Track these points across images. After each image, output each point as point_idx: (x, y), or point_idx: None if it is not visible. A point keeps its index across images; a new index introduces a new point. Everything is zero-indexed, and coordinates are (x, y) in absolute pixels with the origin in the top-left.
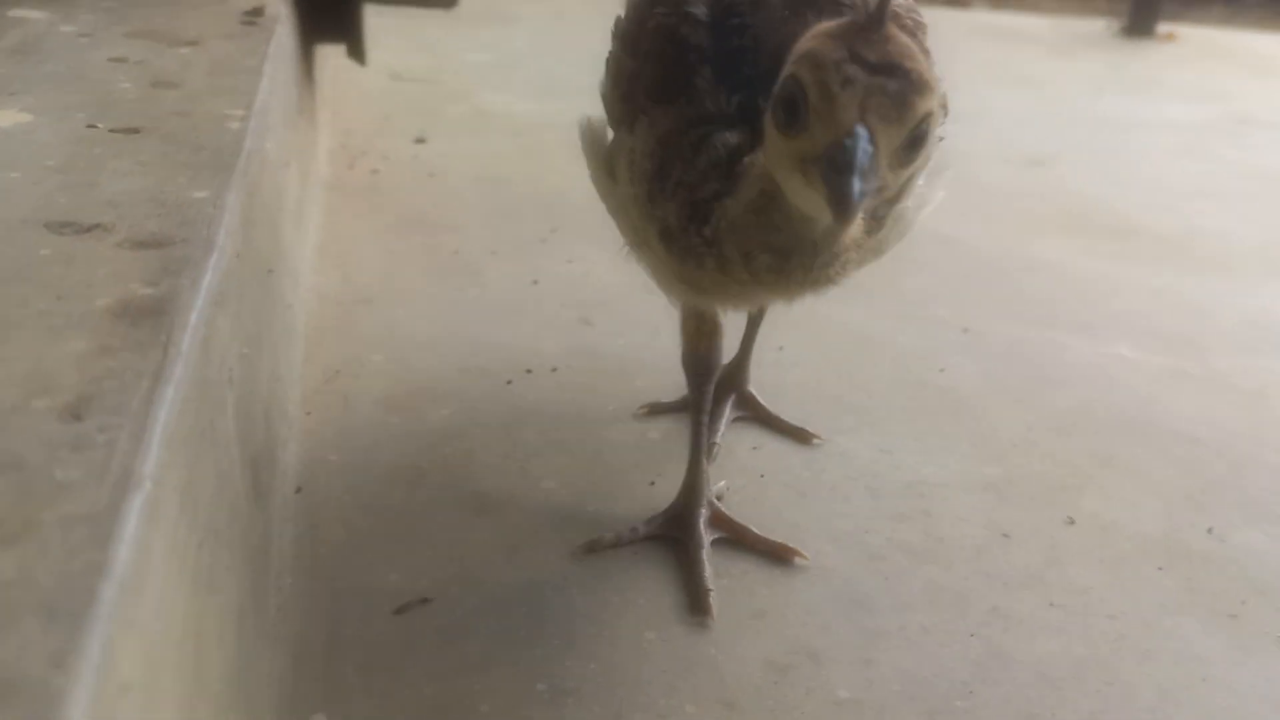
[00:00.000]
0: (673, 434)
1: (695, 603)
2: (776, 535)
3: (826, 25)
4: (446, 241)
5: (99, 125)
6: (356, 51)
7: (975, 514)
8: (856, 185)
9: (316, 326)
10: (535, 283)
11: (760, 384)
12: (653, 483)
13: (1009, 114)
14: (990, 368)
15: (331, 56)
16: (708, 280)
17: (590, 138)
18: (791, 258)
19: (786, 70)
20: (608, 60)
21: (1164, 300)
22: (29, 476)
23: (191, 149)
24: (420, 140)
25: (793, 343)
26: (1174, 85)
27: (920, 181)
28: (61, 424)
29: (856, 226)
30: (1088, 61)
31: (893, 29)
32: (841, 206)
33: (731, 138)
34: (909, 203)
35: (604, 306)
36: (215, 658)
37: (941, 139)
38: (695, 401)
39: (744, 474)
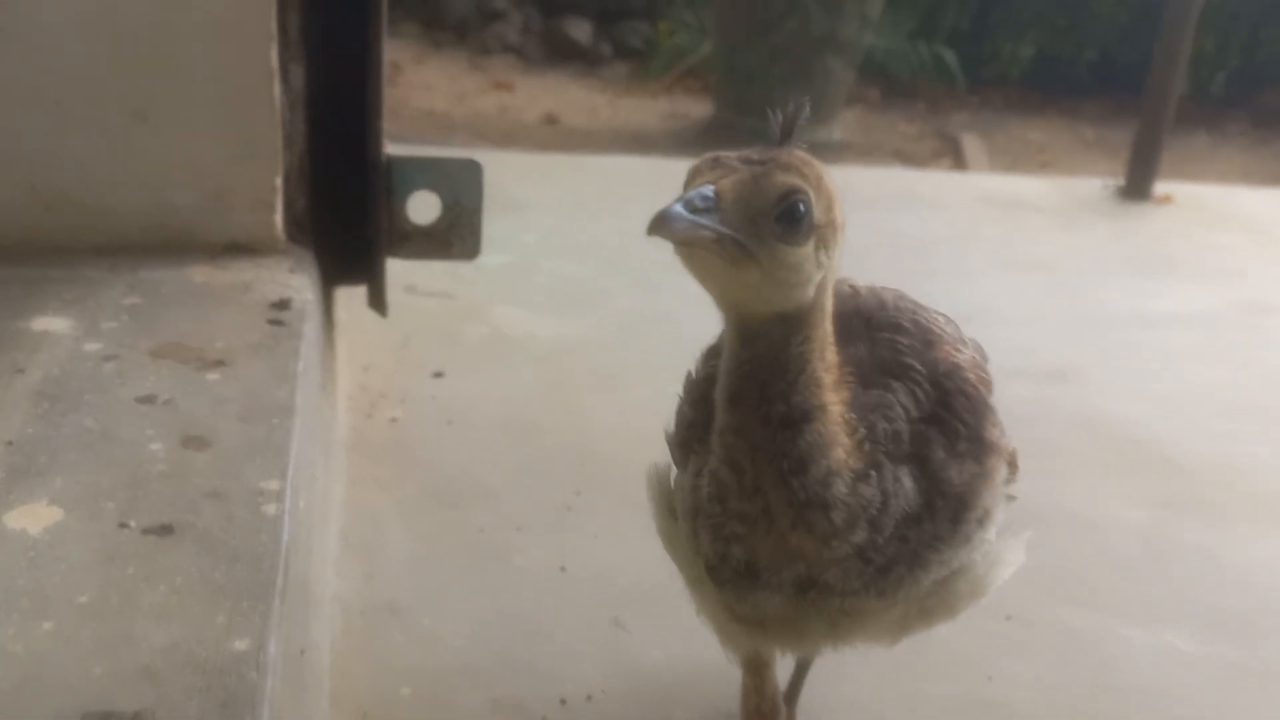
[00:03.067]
0: None
1: None
2: None
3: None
4: (471, 517)
5: (130, 524)
6: (378, 303)
7: None
8: (676, 206)
9: (343, 651)
10: (563, 569)
11: (811, 699)
12: None
13: (1021, 310)
14: (1042, 672)
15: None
16: (748, 605)
17: (655, 483)
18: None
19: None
20: (676, 410)
21: (1211, 564)
22: None
23: (228, 559)
24: (438, 375)
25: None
26: (1180, 261)
27: (990, 536)
28: None
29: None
30: (1090, 233)
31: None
32: (656, 219)
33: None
34: (977, 558)
35: (638, 602)
36: None
37: (1013, 498)
38: None
39: None
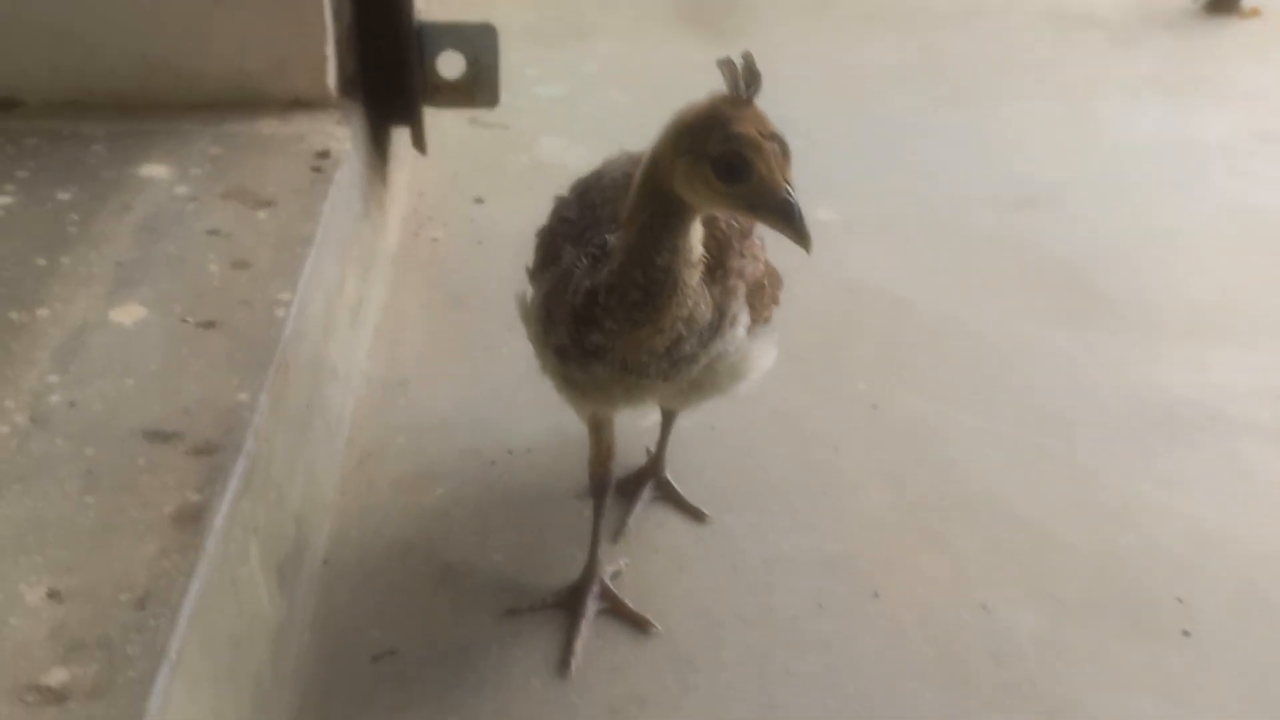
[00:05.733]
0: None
1: (562, 659)
2: (649, 605)
3: (714, 101)
4: (476, 320)
5: (188, 320)
6: (419, 143)
7: (804, 587)
8: (806, 221)
9: (360, 410)
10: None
11: (687, 461)
12: (575, 556)
13: (1022, 136)
14: (879, 447)
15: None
16: (595, 382)
17: (522, 307)
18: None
19: (722, 144)
20: (541, 239)
21: (1066, 370)
22: (112, 653)
23: (247, 344)
24: (479, 201)
25: (724, 422)
26: (1219, 84)
27: (739, 334)
28: (134, 612)
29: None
30: (1145, 53)
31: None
32: (807, 237)
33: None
34: (730, 350)
35: None
36: (231, 714)
37: (769, 320)
38: (595, 508)
39: (643, 549)
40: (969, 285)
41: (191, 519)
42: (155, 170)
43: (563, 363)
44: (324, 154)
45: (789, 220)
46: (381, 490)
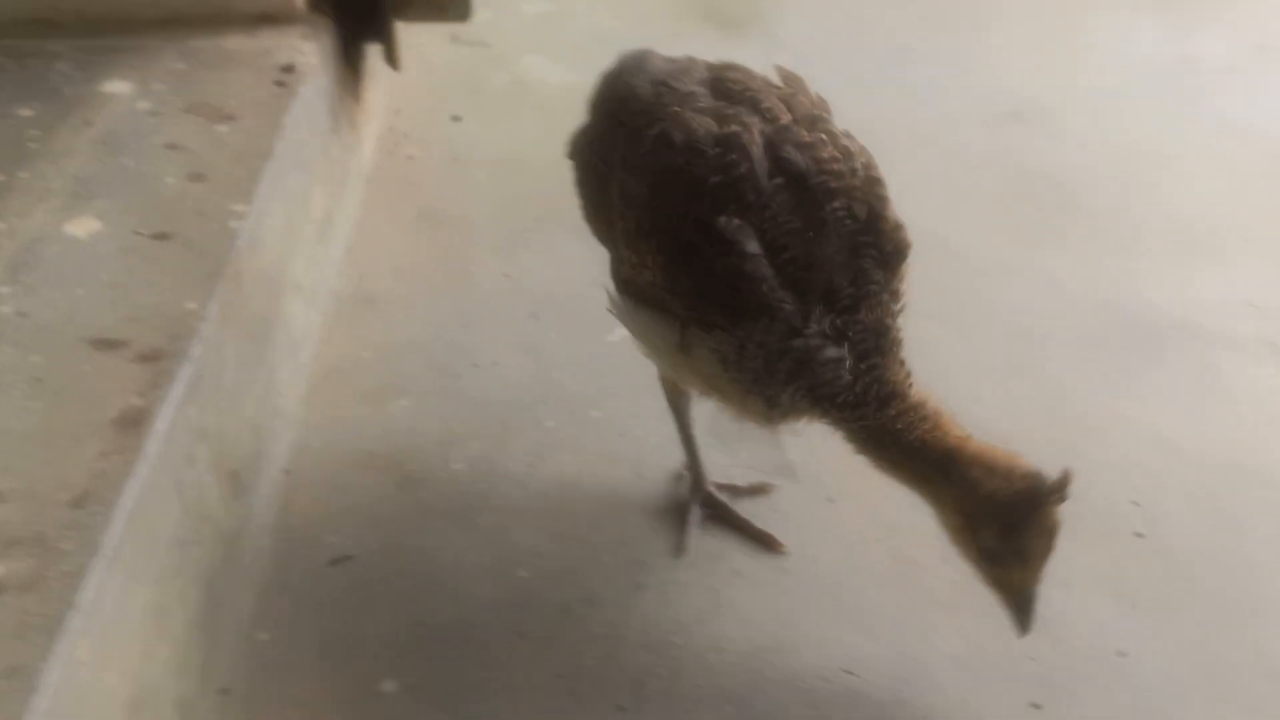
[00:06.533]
0: (569, 427)
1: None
2: None
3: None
4: (449, 238)
5: (142, 232)
6: (392, 58)
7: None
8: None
9: (329, 326)
10: (507, 276)
11: None
12: (532, 466)
13: (1014, 53)
14: None
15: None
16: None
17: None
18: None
19: (992, 538)
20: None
21: (1038, 285)
22: (46, 549)
23: (198, 255)
24: (456, 118)
25: None
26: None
27: None
28: (71, 510)
29: None
30: None
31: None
32: (1028, 627)
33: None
34: None
35: (553, 301)
36: (178, 614)
37: None
38: (680, 423)
39: None
40: (954, 203)
41: (133, 423)
42: (118, 86)
43: (769, 408)
44: (288, 68)
45: (1023, 612)
46: (346, 403)
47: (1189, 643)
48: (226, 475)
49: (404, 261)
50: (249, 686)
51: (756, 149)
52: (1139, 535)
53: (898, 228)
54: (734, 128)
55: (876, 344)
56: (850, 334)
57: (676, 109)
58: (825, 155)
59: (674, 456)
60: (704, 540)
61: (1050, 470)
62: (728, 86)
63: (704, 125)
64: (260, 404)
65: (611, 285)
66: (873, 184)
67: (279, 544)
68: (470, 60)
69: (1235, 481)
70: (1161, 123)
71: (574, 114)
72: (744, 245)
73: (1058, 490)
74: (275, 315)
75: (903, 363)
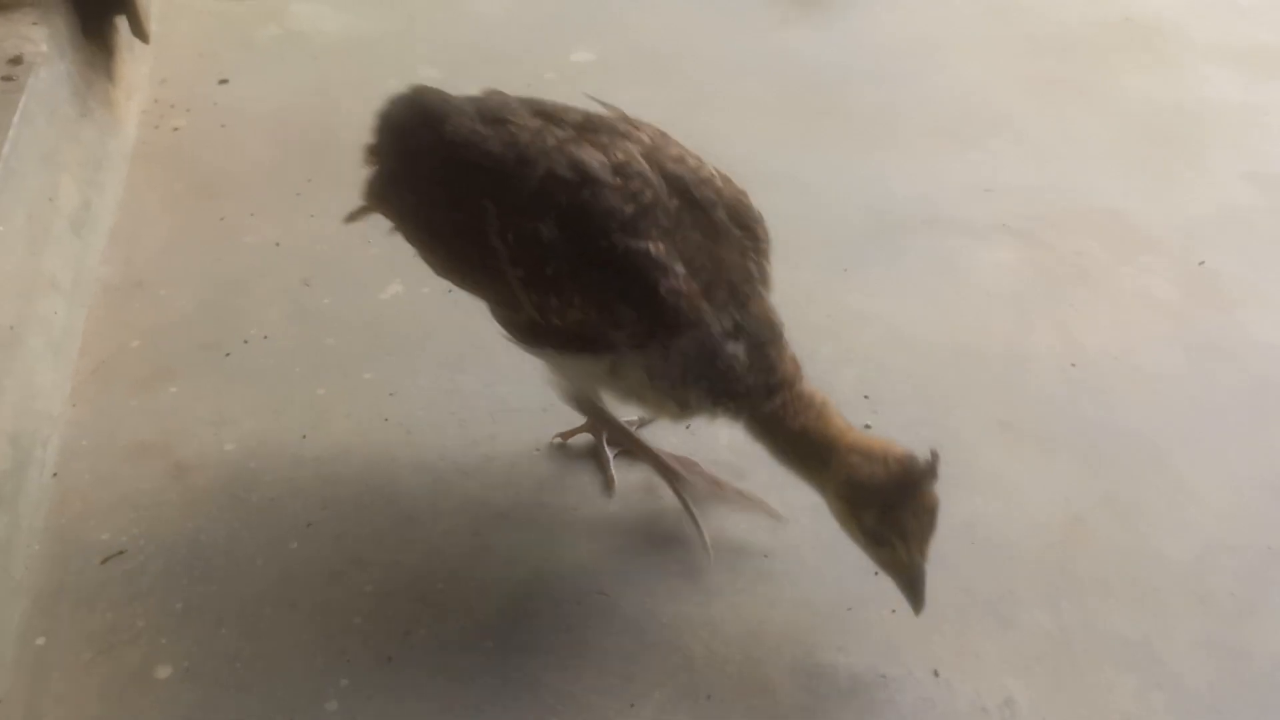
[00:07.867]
0: (340, 392)
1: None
2: None
3: (904, 471)
4: (219, 206)
5: None
6: (138, 29)
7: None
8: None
9: (96, 318)
10: (278, 244)
11: None
12: (304, 436)
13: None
14: None
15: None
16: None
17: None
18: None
19: (872, 520)
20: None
21: (808, 195)
22: None
23: None
24: (223, 81)
25: None
26: None
27: None
28: None
29: None
30: None
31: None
32: (920, 604)
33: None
34: None
35: (326, 266)
36: None
37: None
38: (595, 409)
39: None
40: (728, 114)
41: None
42: None
43: (681, 408)
44: (15, 60)
45: (914, 590)
46: (116, 396)
47: None
48: None
49: (172, 240)
50: (27, 692)
51: (653, 174)
52: (868, 427)
53: (759, 219)
54: (619, 155)
55: (768, 335)
56: (746, 328)
57: (555, 143)
58: (693, 165)
59: (444, 411)
60: (463, 483)
61: (922, 454)
62: (560, 116)
63: (591, 156)
64: (18, 414)
65: (509, 334)
66: (729, 182)
67: (52, 548)
68: (238, 16)
69: (951, 362)
70: (928, 10)
71: (349, 61)
72: (673, 268)
73: (929, 472)
74: (27, 320)
75: (793, 355)
